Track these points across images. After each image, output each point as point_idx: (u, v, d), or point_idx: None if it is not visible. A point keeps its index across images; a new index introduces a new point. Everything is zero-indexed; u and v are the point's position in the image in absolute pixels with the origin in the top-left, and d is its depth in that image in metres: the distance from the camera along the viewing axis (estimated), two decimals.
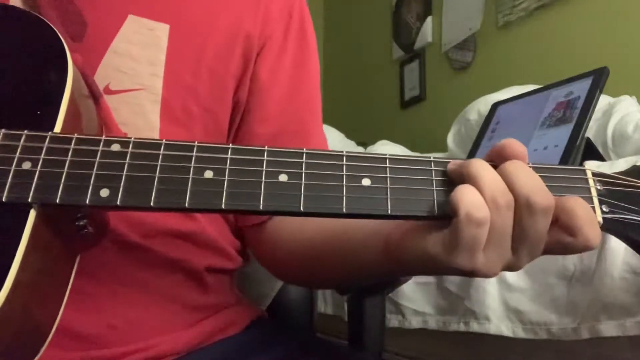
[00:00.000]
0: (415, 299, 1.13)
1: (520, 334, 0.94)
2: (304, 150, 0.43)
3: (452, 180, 0.43)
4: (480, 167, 0.41)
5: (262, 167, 0.42)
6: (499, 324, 0.96)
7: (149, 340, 0.56)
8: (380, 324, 0.83)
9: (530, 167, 0.43)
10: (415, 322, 1.13)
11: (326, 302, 1.37)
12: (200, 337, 0.60)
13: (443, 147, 1.69)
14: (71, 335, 0.52)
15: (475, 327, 1.00)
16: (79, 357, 0.53)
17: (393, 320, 1.15)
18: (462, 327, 1.03)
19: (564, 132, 1.12)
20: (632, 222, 0.43)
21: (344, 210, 0.41)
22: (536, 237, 0.41)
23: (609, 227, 0.43)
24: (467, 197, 0.40)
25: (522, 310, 0.93)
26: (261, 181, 0.41)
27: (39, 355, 0.44)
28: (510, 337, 0.95)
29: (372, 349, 0.81)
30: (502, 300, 0.96)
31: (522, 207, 0.40)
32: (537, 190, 0.40)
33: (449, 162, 0.43)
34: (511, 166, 0.42)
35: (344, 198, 0.41)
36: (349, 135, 2.05)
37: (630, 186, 0.44)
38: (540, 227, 0.41)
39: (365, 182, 0.42)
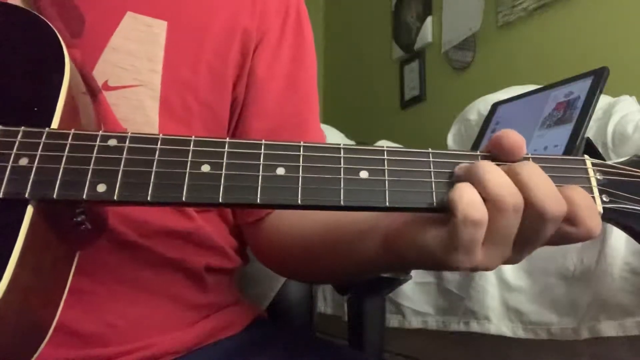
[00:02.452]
0: (415, 299, 1.13)
1: (521, 334, 0.93)
2: (301, 143, 0.43)
3: (457, 179, 0.42)
4: (486, 167, 0.41)
5: (260, 160, 0.42)
6: (499, 324, 0.96)
7: (148, 340, 0.56)
8: (380, 324, 0.83)
9: (529, 157, 0.43)
10: (415, 322, 1.13)
11: (326, 302, 1.37)
12: (199, 336, 0.60)
13: (443, 147, 1.68)
14: (70, 333, 0.52)
15: (475, 327, 1.00)
16: (78, 356, 0.52)
17: (393, 320, 1.15)
18: (462, 327, 1.02)
19: (564, 132, 1.12)
20: (633, 212, 0.43)
21: (342, 202, 0.41)
22: (542, 240, 0.41)
23: (609, 216, 0.43)
24: (464, 197, 0.39)
25: (522, 310, 0.93)
26: (258, 175, 0.41)
27: (37, 354, 0.43)
28: (510, 337, 0.95)
29: (372, 349, 0.81)
30: (502, 300, 0.96)
31: (534, 214, 0.40)
32: (551, 198, 0.40)
33: (446, 153, 0.43)
34: (525, 169, 0.41)
35: (342, 190, 0.41)
36: (349, 135, 2.05)
37: (631, 176, 0.44)
38: (550, 232, 0.41)
39: (363, 174, 0.42)
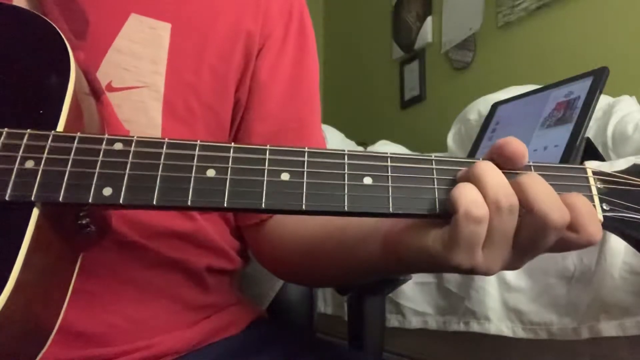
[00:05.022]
0: (415, 299, 1.13)
1: (521, 334, 0.94)
2: (306, 149, 0.43)
3: (459, 180, 0.43)
4: (485, 167, 0.41)
5: (264, 165, 0.42)
6: (499, 324, 0.96)
7: (150, 339, 0.56)
8: (380, 324, 0.83)
9: (531, 165, 0.44)
10: (415, 322, 1.13)
11: (326, 302, 1.37)
12: (200, 336, 0.60)
13: (443, 147, 1.69)
14: (73, 333, 0.52)
15: (475, 327, 1.00)
16: (81, 356, 0.53)
17: (393, 320, 1.15)
18: (462, 327, 1.03)
19: (564, 132, 1.12)
20: (633, 221, 0.43)
21: (346, 208, 0.41)
22: (544, 248, 0.42)
23: (609, 225, 0.43)
24: (466, 195, 0.40)
25: (522, 310, 0.93)
26: (263, 180, 0.41)
27: (41, 354, 0.44)
28: (510, 337, 0.95)
29: (372, 349, 0.81)
30: (502, 301, 0.96)
31: (538, 224, 0.40)
32: (555, 209, 0.40)
33: (449, 160, 0.44)
34: (527, 179, 0.41)
35: (346, 196, 0.41)
36: (349, 135, 2.05)
37: (631, 184, 0.44)
38: (553, 240, 0.41)
39: (367, 180, 0.42)
